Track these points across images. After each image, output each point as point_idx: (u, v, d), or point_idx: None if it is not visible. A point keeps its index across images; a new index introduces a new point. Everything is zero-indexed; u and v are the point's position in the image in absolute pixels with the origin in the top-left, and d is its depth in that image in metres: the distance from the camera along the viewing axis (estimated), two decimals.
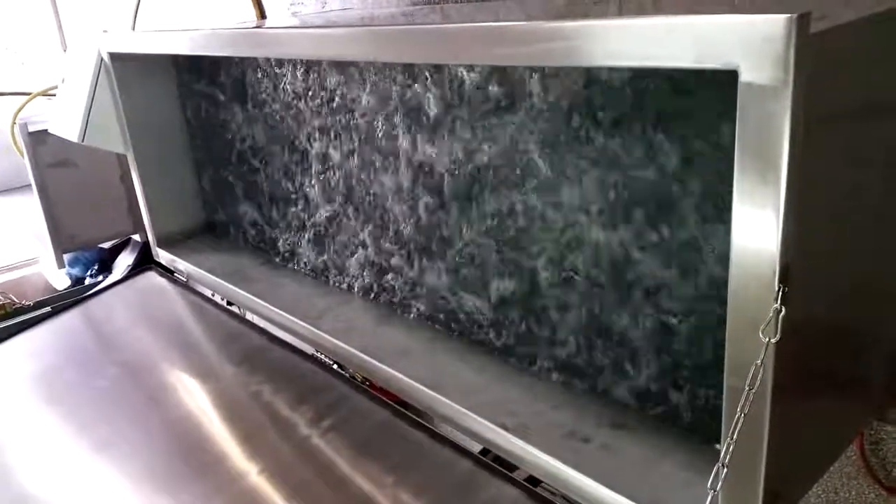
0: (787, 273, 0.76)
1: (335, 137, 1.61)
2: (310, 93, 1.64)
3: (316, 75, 1.60)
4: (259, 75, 1.78)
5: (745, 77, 0.73)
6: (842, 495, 1.53)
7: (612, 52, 0.84)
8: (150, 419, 1.71)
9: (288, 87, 1.70)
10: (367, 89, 1.47)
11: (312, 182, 1.74)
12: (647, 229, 1.07)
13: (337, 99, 1.57)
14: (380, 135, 1.48)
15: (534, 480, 1.31)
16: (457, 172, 1.33)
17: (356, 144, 1.56)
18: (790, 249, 0.76)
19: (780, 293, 0.76)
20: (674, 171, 1.01)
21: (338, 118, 1.58)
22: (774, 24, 0.69)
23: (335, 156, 1.64)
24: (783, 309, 0.76)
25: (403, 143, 1.43)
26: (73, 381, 1.95)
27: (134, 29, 2.77)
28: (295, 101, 1.70)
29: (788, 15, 0.68)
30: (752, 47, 0.71)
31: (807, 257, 0.80)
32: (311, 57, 1.55)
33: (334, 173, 1.66)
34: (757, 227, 0.77)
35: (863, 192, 0.96)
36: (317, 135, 1.67)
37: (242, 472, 1.49)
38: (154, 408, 1.75)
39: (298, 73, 1.65)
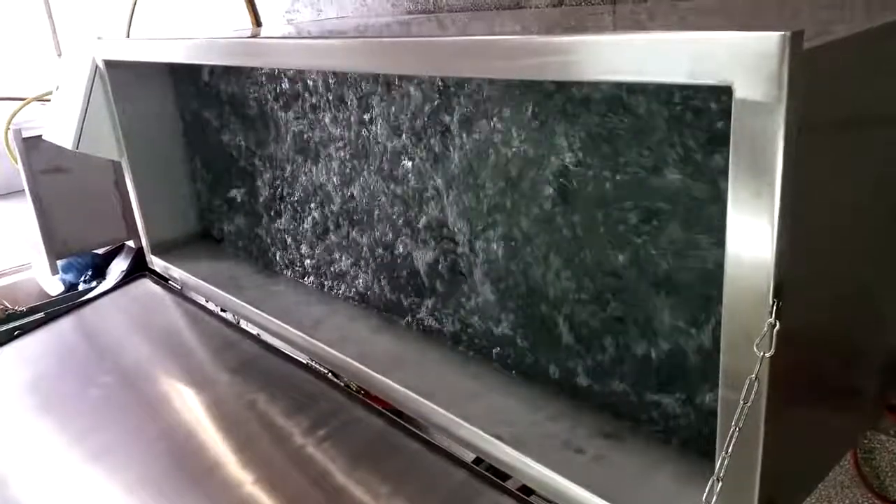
0: (781, 287, 0.77)
1: (330, 146, 1.62)
2: (305, 101, 1.64)
3: (310, 84, 1.60)
4: (254, 83, 1.78)
5: (739, 93, 0.73)
6: None
7: (606, 67, 0.84)
8: (145, 428, 1.71)
9: (283, 94, 1.70)
10: (360, 98, 1.47)
11: (308, 190, 1.74)
12: (644, 242, 1.08)
13: (331, 107, 1.57)
14: (374, 144, 1.48)
15: (527, 490, 1.31)
16: (454, 182, 1.34)
17: (351, 153, 1.56)
18: (784, 263, 0.76)
19: (775, 307, 0.77)
20: None
21: (333, 126, 1.58)
22: (768, 42, 0.70)
23: (331, 164, 1.64)
24: (777, 323, 0.77)
25: (397, 151, 1.43)
26: (66, 389, 1.94)
27: (129, 36, 2.76)
28: (290, 110, 1.70)
29: (782, 32, 0.69)
30: (746, 64, 0.72)
31: (801, 271, 0.80)
32: (307, 67, 1.55)
33: (330, 182, 1.66)
34: (751, 242, 0.77)
35: (856, 207, 0.97)
36: (312, 143, 1.67)
37: (238, 481, 1.48)
38: (148, 417, 1.74)
39: (293, 82, 1.65)
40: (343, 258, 1.70)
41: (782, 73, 0.69)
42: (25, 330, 2.30)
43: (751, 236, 0.77)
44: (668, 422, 1.12)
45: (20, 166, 2.61)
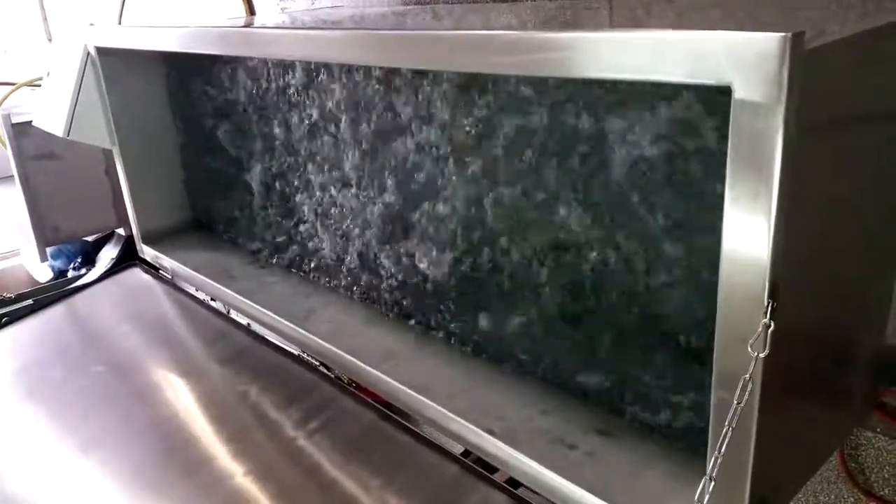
0: (776, 288, 0.77)
1: (324, 136, 1.61)
2: (298, 91, 1.63)
3: (303, 74, 1.59)
4: (248, 73, 1.77)
5: (738, 94, 0.73)
6: (821, 499, 1.54)
7: (604, 64, 0.84)
8: (136, 419, 1.70)
9: (277, 85, 1.69)
10: (357, 89, 1.47)
11: (300, 180, 1.73)
12: (630, 241, 1.08)
13: (326, 98, 1.56)
14: (367, 133, 1.48)
15: (515, 482, 1.32)
16: (446, 170, 1.33)
17: (344, 142, 1.55)
18: (780, 264, 0.76)
19: (770, 308, 0.77)
20: None
21: (327, 117, 1.58)
22: (769, 42, 0.70)
23: (324, 154, 1.63)
24: (772, 324, 0.77)
25: (392, 140, 1.43)
26: (56, 378, 1.92)
27: (120, 23, 2.74)
28: (284, 99, 1.69)
29: (783, 33, 0.69)
30: (746, 64, 0.72)
31: (796, 272, 0.80)
32: (301, 58, 1.54)
33: (323, 172, 1.65)
34: (747, 243, 0.77)
35: (851, 207, 0.97)
36: (305, 133, 1.66)
37: (228, 473, 1.48)
38: (139, 407, 1.73)
39: (287, 72, 1.64)
40: (337, 249, 1.69)
41: (782, 75, 0.69)
42: (14, 318, 2.28)
43: (747, 237, 0.77)
44: (661, 418, 1.12)
45: (9, 152, 2.59)
